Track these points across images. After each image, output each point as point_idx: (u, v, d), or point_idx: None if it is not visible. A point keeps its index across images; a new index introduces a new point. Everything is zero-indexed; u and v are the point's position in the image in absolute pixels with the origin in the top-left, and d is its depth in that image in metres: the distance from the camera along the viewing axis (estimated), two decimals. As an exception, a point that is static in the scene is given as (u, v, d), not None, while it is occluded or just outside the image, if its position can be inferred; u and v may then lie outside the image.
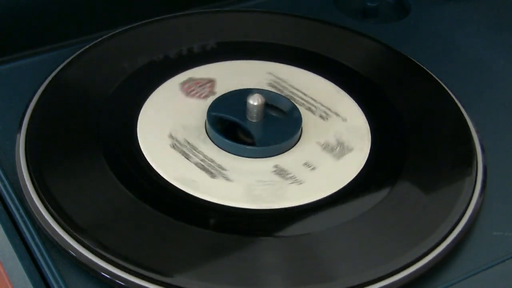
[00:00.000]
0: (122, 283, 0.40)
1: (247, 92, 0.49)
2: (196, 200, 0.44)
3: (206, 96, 0.51)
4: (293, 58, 0.55)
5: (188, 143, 0.48)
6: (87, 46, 0.54)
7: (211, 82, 0.52)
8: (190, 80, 0.52)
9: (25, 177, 0.45)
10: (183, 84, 0.52)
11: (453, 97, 0.53)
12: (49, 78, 0.52)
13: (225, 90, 0.51)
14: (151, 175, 0.46)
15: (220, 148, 0.48)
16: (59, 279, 0.41)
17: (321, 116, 0.50)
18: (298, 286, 0.41)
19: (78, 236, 0.42)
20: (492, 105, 0.54)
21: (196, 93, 0.52)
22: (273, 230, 0.43)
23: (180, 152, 0.47)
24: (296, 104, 0.50)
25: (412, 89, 0.54)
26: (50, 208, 0.43)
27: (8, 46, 0.55)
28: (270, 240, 0.43)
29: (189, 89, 0.52)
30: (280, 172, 0.47)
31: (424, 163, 0.48)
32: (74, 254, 0.41)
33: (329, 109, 0.50)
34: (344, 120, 0.50)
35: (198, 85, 0.52)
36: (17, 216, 0.44)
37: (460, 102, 0.52)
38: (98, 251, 0.41)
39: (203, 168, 0.46)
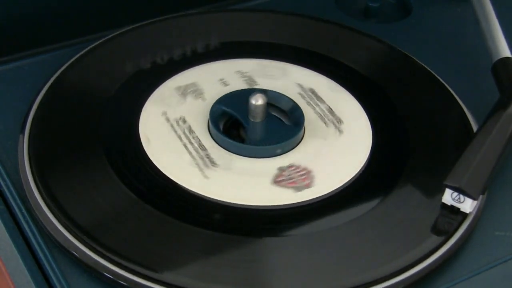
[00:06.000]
0: (124, 283, 0.40)
1: (263, 91, 0.49)
2: (201, 201, 0.44)
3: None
4: (294, 58, 0.55)
5: (191, 130, 0.48)
6: (89, 47, 0.54)
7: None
8: None
9: (27, 176, 0.45)
10: None
11: (456, 96, 0.53)
12: (52, 79, 0.52)
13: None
14: (154, 175, 0.46)
15: (211, 137, 0.48)
16: (61, 278, 0.41)
17: (334, 126, 0.50)
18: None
19: (80, 235, 0.42)
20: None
21: None
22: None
23: (183, 146, 0.47)
24: (312, 115, 0.50)
25: (415, 89, 0.54)
26: (52, 207, 0.43)
27: (9, 46, 0.55)
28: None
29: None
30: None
31: (426, 163, 0.48)
32: (76, 254, 0.42)
33: (341, 121, 0.50)
34: (348, 134, 0.49)
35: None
36: (20, 215, 0.44)
37: (463, 101, 0.52)
38: (101, 251, 0.41)
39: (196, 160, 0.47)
